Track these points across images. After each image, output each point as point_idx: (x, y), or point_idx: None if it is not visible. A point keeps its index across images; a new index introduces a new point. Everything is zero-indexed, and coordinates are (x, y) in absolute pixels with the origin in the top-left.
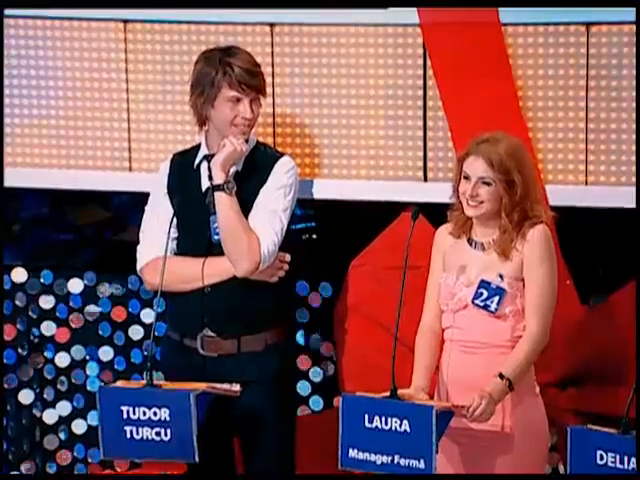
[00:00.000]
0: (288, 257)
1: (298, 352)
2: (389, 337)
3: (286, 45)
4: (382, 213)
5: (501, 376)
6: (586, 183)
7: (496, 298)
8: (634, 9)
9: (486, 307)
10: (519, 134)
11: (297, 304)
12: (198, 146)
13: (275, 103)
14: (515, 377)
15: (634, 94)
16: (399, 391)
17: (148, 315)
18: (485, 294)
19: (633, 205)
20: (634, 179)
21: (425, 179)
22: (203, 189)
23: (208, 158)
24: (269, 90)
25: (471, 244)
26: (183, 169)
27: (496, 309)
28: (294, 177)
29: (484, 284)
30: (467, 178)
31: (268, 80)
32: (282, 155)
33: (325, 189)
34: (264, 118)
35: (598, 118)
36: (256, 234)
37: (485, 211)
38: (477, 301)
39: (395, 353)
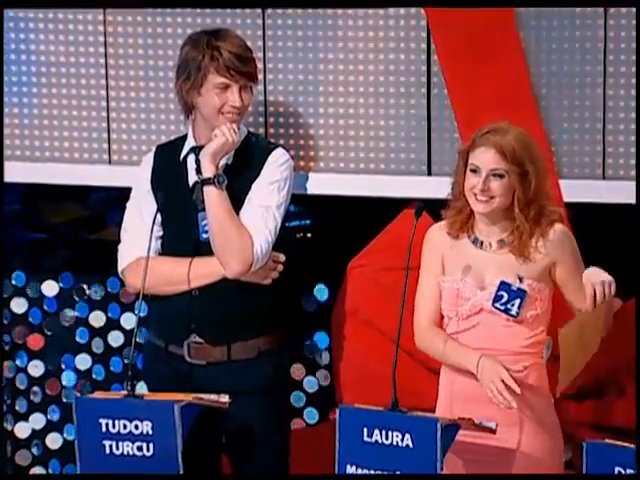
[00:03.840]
0: (282, 257)
1: (292, 360)
2: (390, 344)
3: (279, 28)
4: (383, 210)
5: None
6: (604, 177)
7: (517, 301)
8: (634, 9)
9: (507, 311)
10: (531, 124)
11: (291, 308)
12: (184, 137)
13: (267, 90)
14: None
15: None
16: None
17: (129, 320)
18: (505, 297)
19: None
20: None
21: (429, 173)
22: (190, 184)
23: (196, 150)
24: (260, 77)
25: (476, 244)
26: (168, 162)
27: (518, 313)
28: (289, 170)
29: (504, 286)
30: (475, 171)
31: (259, 66)
32: (276, 146)
33: (321, 184)
34: (255, 107)
35: (617, 107)
36: (248, 232)
37: (496, 207)
38: (497, 304)
39: (397, 361)
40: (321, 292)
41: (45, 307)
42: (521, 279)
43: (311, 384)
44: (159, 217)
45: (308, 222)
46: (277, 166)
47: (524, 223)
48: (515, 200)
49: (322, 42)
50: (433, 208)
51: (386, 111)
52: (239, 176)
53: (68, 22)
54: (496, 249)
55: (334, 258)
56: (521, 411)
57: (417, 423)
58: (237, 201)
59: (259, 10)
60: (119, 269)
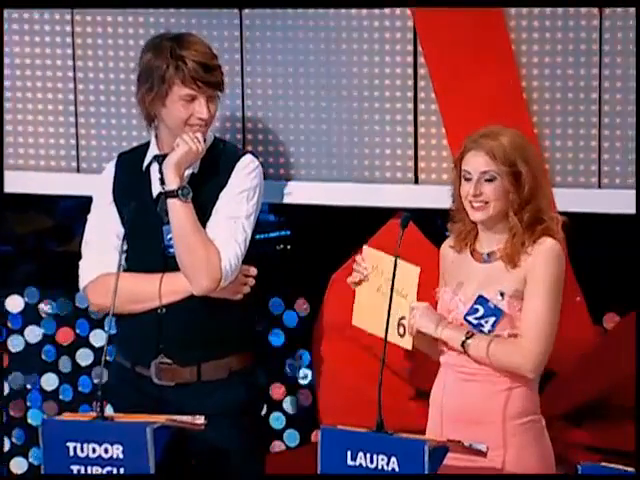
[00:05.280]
0: (254, 270)
1: (270, 380)
2: (376, 362)
3: (257, 29)
4: (367, 220)
5: (468, 337)
6: (599, 186)
7: (492, 319)
8: (634, 9)
9: (479, 327)
10: (523, 129)
11: (270, 324)
12: (147, 144)
13: (245, 94)
14: (474, 349)
15: None
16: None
17: (98, 337)
18: (480, 312)
19: None
20: None
21: (416, 181)
22: (154, 194)
23: (159, 159)
24: (237, 80)
25: (474, 256)
26: (130, 172)
27: (490, 331)
28: (258, 178)
29: (481, 300)
30: (468, 178)
31: (237, 68)
32: (244, 153)
33: (302, 193)
34: (232, 111)
35: (613, 112)
36: (215, 246)
37: (493, 213)
38: (470, 318)
39: (382, 380)
40: (302, 307)
41: (9, 324)
42: (503, 295)
43: (292, 404)
44: (122, 230)
45: (288, 233)
46: (246, 174)
47: (517, 225)
48: (510, 203)
49: (303, 44)
50: (420, 218)
51: (370, 116)
52: (206, 185)
53: (34, 22)
54: (490, 260)
55: (316, 271)
56: (505, 433)
57: (403, 446)
58: (204, 212)
59: (236, 10)
60: (80, 286)
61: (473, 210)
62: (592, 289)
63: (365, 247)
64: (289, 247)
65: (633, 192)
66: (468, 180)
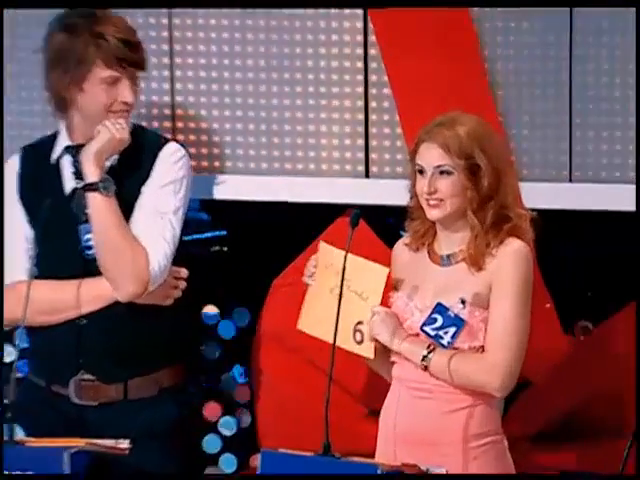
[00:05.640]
0: (184, 272)
1: (204, 397)
2: (322, 376)
3: (187, 29)
4: (313, 218)
5: (429, 351)
6: (570, 180)
7: (452, 330)
8: (634, 9)
9: (437, 338)
10: (486, 116)
11: (203, 336)
12: (53, 135)
13: (174, 77)
14: (436, 365)
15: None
16: None
17: (7, 353)
18: (439, 321)
19: (632, 207)
20: (632, 174)
21: (367, 175)
22: (67, 190)
23: (71, 150)
24: (166, 60)
25: (432, 258)
26: (37, 166)
27: (449, 343)
28: (185, 169)
29: (440, 308)
30: (422, 172)
31: (164, 47)
32: (167, 141)
33: (239, 187)
34: (160, 96)
35: (584, 97)
36: (142, 246)
37: (450, 211)
38: (427, 328)
39: (329, 397)
40: (240, 316)
41: None
42: (464, 302)
43: (228, 425)
44: (31, 233)
45: (224, 233)
46: (171, 164)
47: (477, 226)
48: (468, 200)
49: (239, 33)
50: (372, 216)
51: (315, 101)
52: (126, 179)
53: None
54: (450, 263)
55: (255, 275)
56: (465, 455)
57: (353, 470)
58: (126, 209)
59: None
60: None
61: (429, 207)
62: (563, 294)
63: (322, 242)
64: (225, 249)
65: (606, 187)
66: (422, 174)
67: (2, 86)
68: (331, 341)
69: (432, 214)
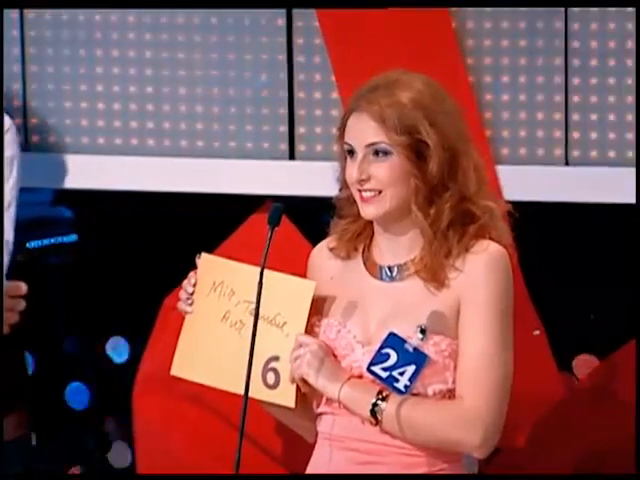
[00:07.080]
0: (24, 288)
1: (68, 455)
2: (228, 430)
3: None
4: (218, 214)
5: (382, 398)
6: (566, 162)
7: (410, 369)
8: (634, 9)
9: (390, 381)
10: (454, 78)
11: (66, 373)
12: None
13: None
14: (391, 418)
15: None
16: None
17: None
18: (393, 358)
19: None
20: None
21: (292, 156)
22: None
23: None
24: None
25: (370, 269)
26: None
27: (407, 387)
28: (13, 147)
29: (393, 341)
30: (352, 153)
31: None
32: None
33: (113, 173)
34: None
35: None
36: None
37: (391, 207)
38: (376, 368)
39: (240, 458)
40: (118, 350)
41: None
42: (424, 331)
43: None
44: None
45: (87, 236)
46: None
47: (427, 229)
48: (412, 191)
49: None
50: (298, 210)
51: (222, 56)
52: None
53: None
54: (398, 275)
55: (137, 294)
56: None
57: None
58: None
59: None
60: None
61: (362, 202)
62: (557, 317)
63: (203, 255)
64: (92, 257)
65: (605, 170)
66: (352, 155)
67: (2, 86)
68: (224, 387)
69: (366, 211)
